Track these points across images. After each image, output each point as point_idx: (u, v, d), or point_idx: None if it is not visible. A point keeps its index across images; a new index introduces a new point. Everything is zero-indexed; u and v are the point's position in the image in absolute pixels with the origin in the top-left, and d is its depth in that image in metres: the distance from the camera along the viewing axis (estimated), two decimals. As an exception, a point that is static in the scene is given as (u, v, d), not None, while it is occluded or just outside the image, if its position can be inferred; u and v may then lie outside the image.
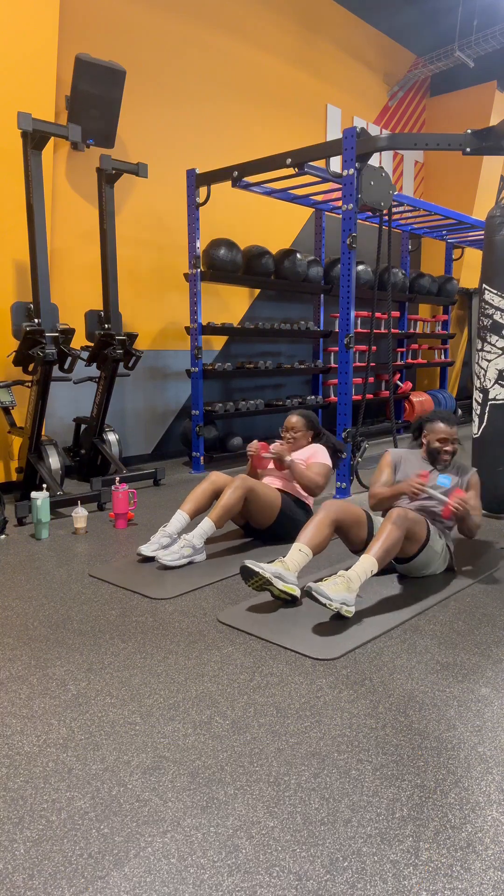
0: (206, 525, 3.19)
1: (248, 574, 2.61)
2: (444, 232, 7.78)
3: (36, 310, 4.17)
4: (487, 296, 3.96)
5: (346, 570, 2.54)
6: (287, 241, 7.24)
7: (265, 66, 6.86)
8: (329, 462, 3.53)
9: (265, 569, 2.59)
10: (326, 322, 7.32)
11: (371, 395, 7.35)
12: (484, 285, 4.00)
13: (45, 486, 3.93)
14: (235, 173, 5.01)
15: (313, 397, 6.82)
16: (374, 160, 4.47)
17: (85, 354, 4.94)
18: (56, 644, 2.39)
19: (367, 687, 2.08)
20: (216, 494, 3.38)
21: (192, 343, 5.50)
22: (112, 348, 4.72)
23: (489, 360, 3.96)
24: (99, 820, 1.49)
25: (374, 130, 8.48)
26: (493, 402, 3.97)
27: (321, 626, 2.49)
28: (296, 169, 4.77)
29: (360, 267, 7.09)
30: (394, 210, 5.78)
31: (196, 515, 3.35)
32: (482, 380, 4.03)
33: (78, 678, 2.14)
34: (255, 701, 1.99)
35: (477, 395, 4.10)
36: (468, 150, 4.52)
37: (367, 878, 1.33)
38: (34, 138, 3.96)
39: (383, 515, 3.14)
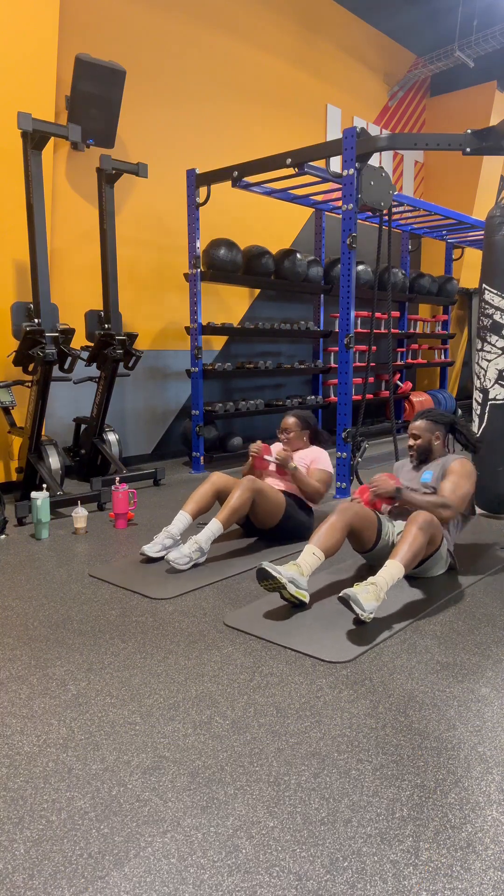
0: (215, 526, 3.18)
1: (263, 576, 2.60)
2: (444, 232, 7.79)
3: (36, 310, 4.17)
4: (487, 296, 3.96)
5: (369, 572, 2.53)
6: (287, 241, 7.24)
7: (265, 66, 6.86)
8: (331, 469, 3.57)
9: (282, 574, 2.58)
10: (326, 322, 7.32)
11: (371, 395, 7.34)
12: (484, 285, 3.99)
13: (45, 486, 3.93)
14: (235, 173, 5.01)
15: (313, 397, 6.82)
16: (374, 160, 4.47)
17: (85, 354, 4.94)
18: (56, 644, 2.39)
19: (367, 687, 2.07)
20: (217, 495, 3.38)
21: (192, 343, 5.50)
22: (112, 348, 4.72)
23: (489, 360, 3.96)
24: (99, 820, 1.49)
25: (374, 130, 8.48)
26: (493, 402, 3.97)
27: (329, 628, 2.49)
28: (296, 169, 4.77)
29: (360, 267, 7.09)
30: (394, 210, 5.77)
31: (198, 516, 3.35)
32: (482, 380, 4.02)
33: (78, 678, 2.14)
34: (255, 701, 1.99)
35: (477, 395, 4.09)
36: (468, 150, 4.52)
37: (367, 878, 1.33)
38: (34, 138, 3.96)
39: (389, 515, 3.15)
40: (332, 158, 7.22)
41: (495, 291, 3.91)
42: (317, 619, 2.57)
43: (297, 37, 7.19)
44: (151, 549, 3.23)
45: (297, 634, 2.44)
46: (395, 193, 5.08)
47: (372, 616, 2.47)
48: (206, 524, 3.20)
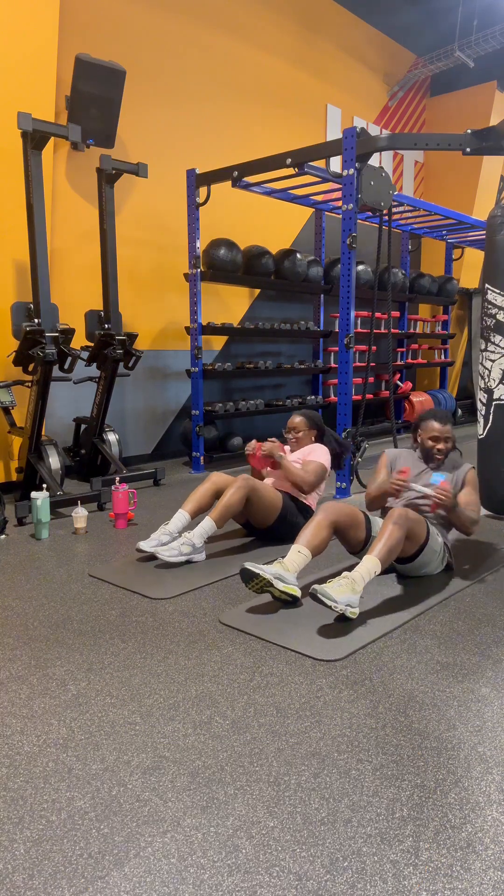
0: (207, 524, 3.19)
1: (248, 576, 2.60)
2: (444, 232, 7.78)
3: (36, 310, 4.17)
4: (490, 296, 3.95)
5: (349, 570, 2.54)
6: (287, 241, 7.24)
7: (265, 66, 6.86)
8: (326, 461, 3.53)
9: (265, 570, 2.58)
10: (326, 322, 7.31)
11: (371, 395, 7.35)
12: (486, 285, 3.98)
13: (45, 486, 3.93)
14: (235, 173, 5.01)
15: (313, 397, 6.82)
16: (374, 160, 4.47)
17: (85, 354, 4.94)
18: (56, 644, 2.38)
19: (367, 687, 2.07)
20: (217, 494, 3.38)
21: (192, 343, 5.50)
22: (112, 348, 4.72)
23: (493, 360, 3.94)
24: (99, 820, 1.49)
25: (374, 130, 8.48)
26: (497, 402, 3.94)
27: (324, 626, 2.49)
28: (296, 169, 4.77)
29: (360, 267, 7.09)
30: (394, 210, 5.77)
31: (197, 515, 3.35)
32: (486, 380, 4.00)
33: (78, 678, 2.14)
34: (255, 701, 1.99)
35: (481, 396, 4.06)
36: (468, 150, 4.52)
37: (367, 878, 1.33)
38: (34, 138, 3.96)
39: (382, 516, 3.15)
40: (332, 158, 7.22)
41: (498, 291, 3.90)
42: (312, 617, 2.57)
43: (297, 37, 7.19)
44: (147, 545, 3.22)
45: (291, 632, 2.44)
46: (395, 193, 5.08)
47: (354, 610, 2.45)
48: (205, 524, 3.21)
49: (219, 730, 1.84)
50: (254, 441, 3.51)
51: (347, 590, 2.44)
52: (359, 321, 7.45)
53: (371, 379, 8.10)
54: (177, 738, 1.80)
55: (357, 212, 4.36)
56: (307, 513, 3.56)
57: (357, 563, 3.20)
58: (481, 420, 4.07)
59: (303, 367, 6.76)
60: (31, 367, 4.24)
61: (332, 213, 6.96)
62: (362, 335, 7.34)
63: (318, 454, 3.54)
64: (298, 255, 6.42)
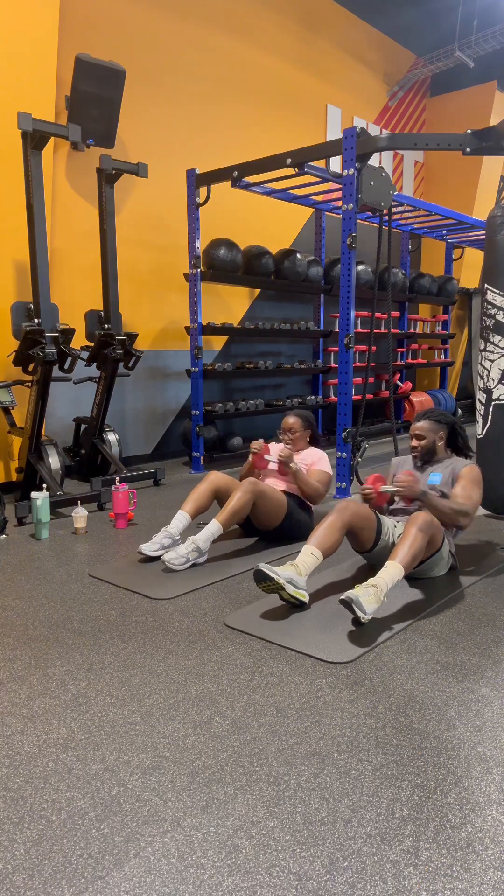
0: (214, 527, 3.17)
1: (261, 577, 2.59)
2: (444, 232, 7.78)
3: (36, 310, 4.17)
4: (490, 296, 3.95)
5: (367, 569, 2.53)
6: (287, 241, 7.24)
7: (265, 66, 6.86)
8: (330, 470, 3.57)
9: (279, 574, 2.58)
10: (326, 322, 7.32)
11: (371, 395, 7.35)
12: (486, 285, 3.98)
13: (45, 486, 3.93)
14: (235, 173, 5.01)
15: (313, 397, 6.82)
16: (374, 160, 4.47)
17: (85, 354, 4.94)
18: (56, 644, 2.38)
19: (367, 687, 2.07)
20: (215, 494, 3.38)
21: (192, 343, 5.50)
22: (112, 348, 4.72)
23: (492, 360, 3.95)
24: (99, 820, 1.49)
25: (374, 130, 8.48)
26: (497, 402, 3.95)
27: (329, 629, 2.49)
28: (296, 169, 4.77)
29: (360, 267, 7.09)
30: (394, 210, 5.78)
31: (197, 515, 3.35)
32: (486, 380, 4.00)
33: (78, 678, 2.14)
34: (255, 701, 1.99)
35: (480, 396, 4.07)
36: (468, 150, 4.52)
37: (367, 878, 1.33)
38: (34, 138, 3.96)
39: (388, 514, 3.15)
40: (332, 158, 7.23)
41: (497, 291, 3.90)
42: (317, 619, 2.57)
43: (297, 37, 7.20)
44: (149, 548, 3.22)
45: (297, 635, 2.44)
46: (395, 193, 5.08)
47: (370, 618, 2.47)
48: (205, 524, 3.20)
49: (219, 730, 1.84)
50: (261, 440, 3.50)
51: (374, 600, 2.43)
52: (359, 321, 7.45)
53: (371, 379, 8.11)
54: (177, 738, 1.80)
55: (357, 212, 4.36)
56: (309, 510, 3.59)
57: (360, 561, 3.24)
58: (480, 420, 4.07)
59: (303, 367, 6.76)
60: (31, 367, 4.24)
61: (332, 213, 6.96)
62: (362, 335, 7.34)
63: (324, 463, 3.56)
64: (298, 255, 6.42)
